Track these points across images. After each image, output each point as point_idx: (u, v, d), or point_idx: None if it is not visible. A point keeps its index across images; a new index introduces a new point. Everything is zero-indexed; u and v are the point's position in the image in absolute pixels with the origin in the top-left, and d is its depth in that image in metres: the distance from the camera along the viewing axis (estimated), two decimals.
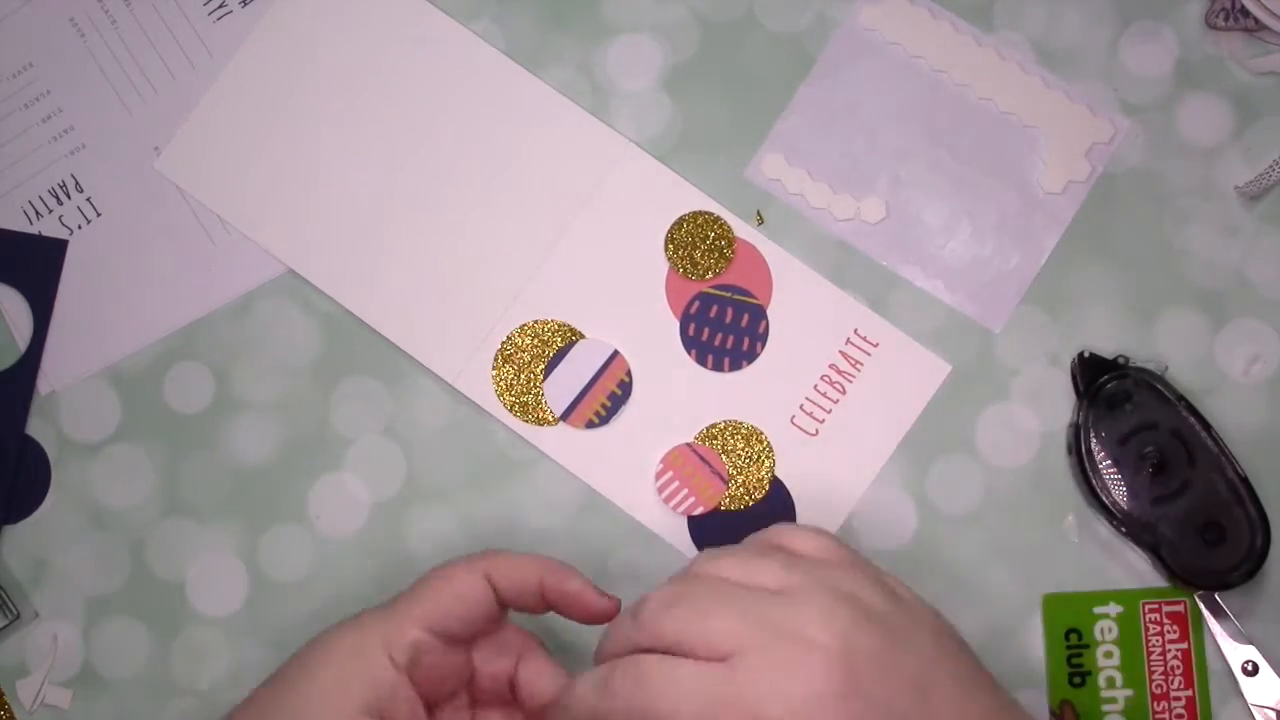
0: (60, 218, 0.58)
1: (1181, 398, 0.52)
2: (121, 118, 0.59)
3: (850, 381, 0.53)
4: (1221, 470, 0.51)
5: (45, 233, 0.58)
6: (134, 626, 0.57)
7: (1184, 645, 0.53)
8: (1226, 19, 0.55)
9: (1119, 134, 0.55)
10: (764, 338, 0.53)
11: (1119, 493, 0.52)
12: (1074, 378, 0.54)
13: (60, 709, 0.57)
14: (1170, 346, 0.54)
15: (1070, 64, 0.56)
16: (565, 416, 0.54)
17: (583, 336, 0.53)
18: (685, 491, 0.52)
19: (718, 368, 0.53)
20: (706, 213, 0.53)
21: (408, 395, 0.57)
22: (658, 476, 0.53)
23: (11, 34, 0.59)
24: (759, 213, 0.55)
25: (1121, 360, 0.53)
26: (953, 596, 0.54)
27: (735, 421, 0.53)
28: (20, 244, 0.58)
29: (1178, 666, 0.52)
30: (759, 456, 0.53)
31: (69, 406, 0.58)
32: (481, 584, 0.46)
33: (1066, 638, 0.53)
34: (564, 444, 0.55)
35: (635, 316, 0.54)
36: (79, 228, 0.58)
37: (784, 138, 0.56)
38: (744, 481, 0.53)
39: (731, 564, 0.42)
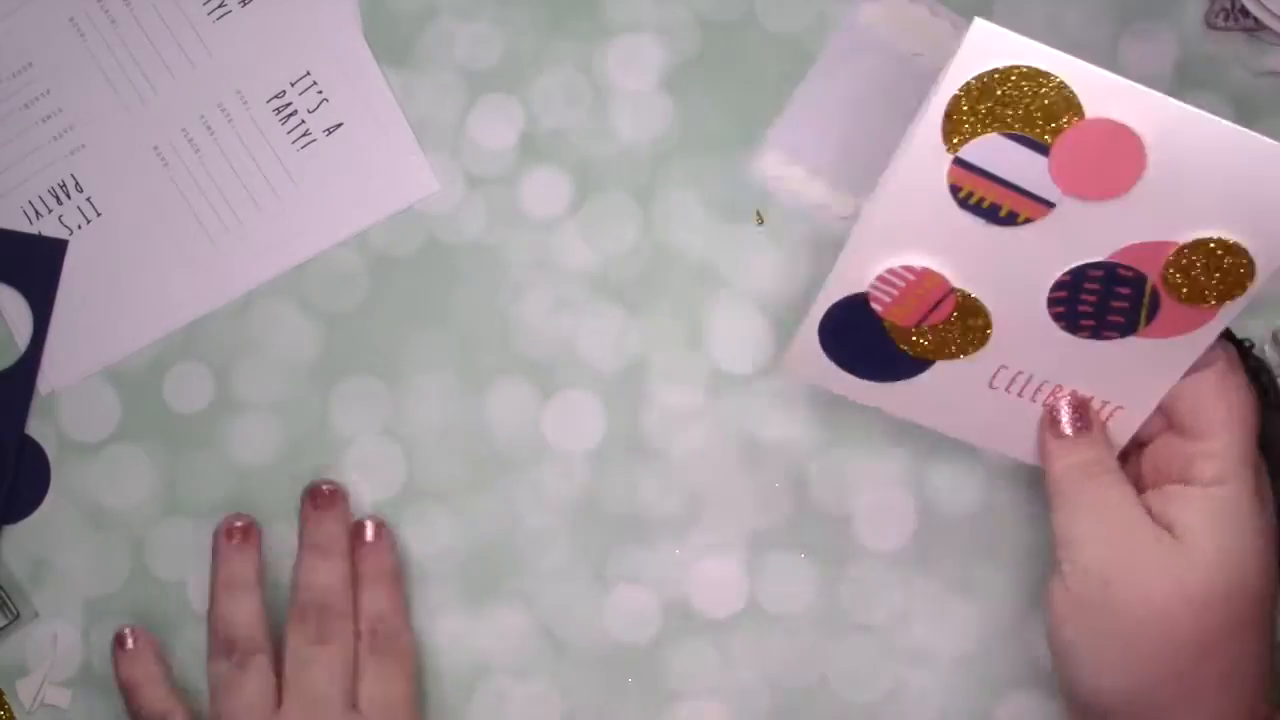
0: (60, 218, 0.58)
1: None
2: (121, 118, 0.59)
3: (1060, 415, 0.47)
4: None
5: (45, 233, 0.58)
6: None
7: None
8: (1226, 19, 0.55)
9: None
10: (1097, 336, 0.45)
11: None
12: None
13: (60, 709, 0.57)
14: None
15: None
16: (959, 164, 0.43)
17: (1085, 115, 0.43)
18: (893, 296, 0.46)
19: (1049, 304, 0.45)
20: (1252, 267, 0.43)
21: (408, 395, 0.57)
22: (906, 268, 0.46)
23: (11, 34, 0.59)
24: (758, 212, 0.55)
25: (1248, 343, 0.52)
26: (953, 597, 0.54)
27: (986, 314, 0.46)
28: (20, 244, 0.58)
29: None
30: (950, 348, 0.47)
31: (69, 406, 0.58)
32: None
33: None
34: (923, 164, 0.43)
35: (1106, 216, 0.43)
36: (79, 228, 0.58)
37: (783, 136, 0.56)
38: (923, 341, 0.47)
39: None
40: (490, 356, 0.57)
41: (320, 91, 0.58)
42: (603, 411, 0.56)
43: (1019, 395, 0.47)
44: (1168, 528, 0.44)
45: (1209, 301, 0.44)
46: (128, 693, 0.54)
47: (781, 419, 0.55)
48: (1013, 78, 0.41)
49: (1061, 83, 0.41)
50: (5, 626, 0.56)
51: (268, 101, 0.58)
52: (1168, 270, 0.44)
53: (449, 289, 0.57)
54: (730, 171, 0.56)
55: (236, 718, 0.51)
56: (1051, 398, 0.47)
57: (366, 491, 0.56)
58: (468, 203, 0.57)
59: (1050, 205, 0.43)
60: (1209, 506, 0.43)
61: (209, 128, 0.58)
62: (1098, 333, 0.45)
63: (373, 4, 0.58)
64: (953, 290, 0.46)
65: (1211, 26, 0.55)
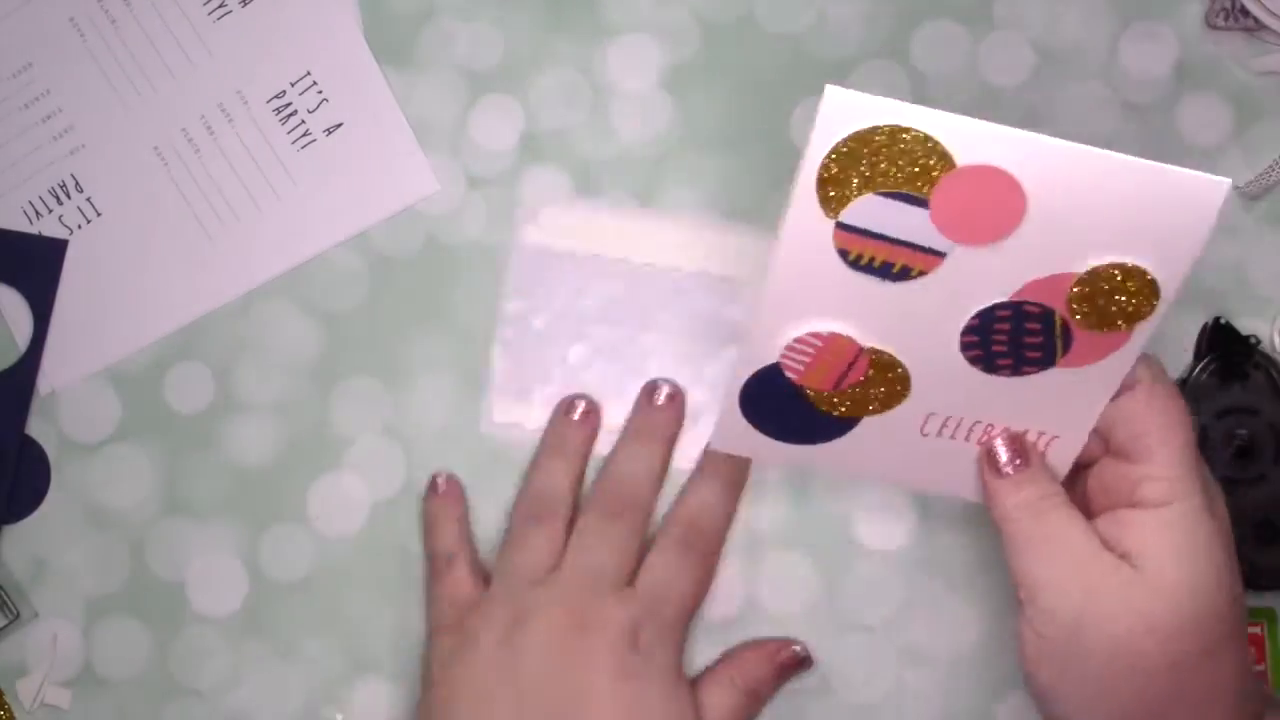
0: (60, 218, 0.58)
1: None
2: (121, 118, 0.59)
3: (997, 453, 0.46)
4: None
5: (45, 233, 0.58)
6: (134, 626, 0.57)
7: (1261, 667, 0.52)
8: (1226, 19, 0.55)
9: None
10: (1018, 373, 0.45)
11: None
12: (1200, 338, 0.54)
13: (60, 709, 0.57)
14: (1170, 346, 0.54)
15: (1070, 64, 0.56)
16: (842, 227, 0.43)
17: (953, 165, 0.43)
18: (805, 363, 0.46)
19: (963, 349, 0.45)
20: (1157, 288, 0.43)
21: (408, 395, 0.57)
22: (812, 335, 0.46)
23: (11, 34, 0.59)
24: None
25: (1253, 340, 0.53)
26: (953, 596, 0.54)
27: (903, 370, 0.46)
28: (20, 244, 0.58)
29: None
30: (872, 403, 0.46)
31: (69, 406, 0.58)
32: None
33: None
34: (806, 233, 0.43)
35: (999, 261, 0.43)
36: (79, 228, 0.58)
37: (505, 374, 0.56)
38: (843, 402, 0.47)
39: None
40: (490, 356, 0.57)
41: (320, 91, 0.58)
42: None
43: (952, 439, 0.47)
44: (1124, 555, 0.43)
45: (1118, 326, 0.44)
46: (427, 529, 0.56)
47: None
48: (877, 138, 0.41)
49: (926, 136, 0.41)
50: (5, 626, 0.56)
51: (268, 101, 0.58)
52: (1071, 302, 0.43)
53: (449, 289, 0.57)
54: (730, 171, 0.56)
55: (516, 569, 0.52)
56: (985, 437, 0.46)
57: (366, 492, 0.56)
58: (468, 203, 0.57)
59: (941, 255, 0.43)
60: (1163, 530, 0.43)
61: (209, 128, 0.58)
62: (1017, 369, 0.45)
63: (373, 4, 0.58)
64: (863, 350, 0.45)
65: (1211, 26, 0.55)
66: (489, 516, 0.56)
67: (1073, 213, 0.42)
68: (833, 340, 0.45)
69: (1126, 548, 0.43)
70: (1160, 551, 0.42)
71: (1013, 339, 0.44)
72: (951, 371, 0.45)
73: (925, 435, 0.47)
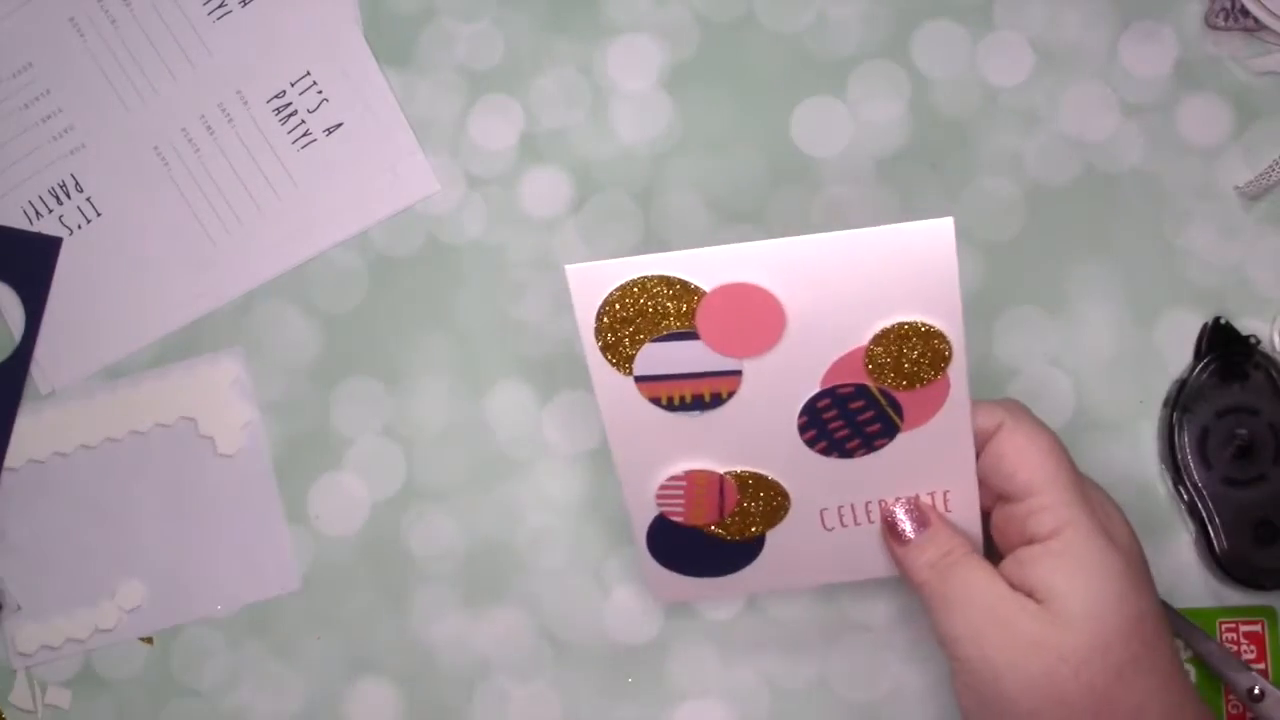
0: (60, 217, 0.58)
1: None
2: (121, 118, 0.59)
3: (897, 523, 0.48)
4: None
5: (45, 233, 0.58)
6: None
7: (1261, 666, 0.52)
8: (1226, 19, 0.55)
9: None
10: (873, 449, 0.47)
11: (1195, 458, 0.52)
12: (1200, 338, 0.54)
13: (60, 709, 0.57)
14: (1171, 346, 0.54)
15: (1070, 64, 0.56)
16: (640, 380, 0.46)
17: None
18: (681, 503, 0.49)
19: (810, 444, 0.47)
20: (939, 332, 0.45)
21: (408, 395, 0.57)
22: (672, 479, 0.49)
23: (11, 34, 0.59)
24: None
25: (1253, 340, 0.53)
26: None
27: (772, 481, 0.48)
28: (14, 241, 0.58)
29: None
30: (765, 518, 0.49)
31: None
32: None
33: None
34: (617, 395, 0.47)
35: (789, 359, 0.46)
36: (79, 227, 0.58)
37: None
38: (735, 526, 0.49)
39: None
40: (490, 356, 0.57)
41: (320, 91, 0.58)
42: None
43: (856, 524, 0.48)
44: (1030, 593, 0.43)
45: (927, 380, 0.45)
46: None
47: None
48: (630, 295, 0.44)
49: (667, 278, 0.44)
50: None
51: (268, 101, 0.58)
52: (873, 373, 0.45)
53: (449, 289, 0.57)
54: (730, 171, 0.56)
55: None
56: (884, 510, 0.47)
57: (366, 491, 0.56)
58: (468, 203, 0.57)
59: (737, 373, 0.45)
60: (1056, 560, 0.43)
61: (209, 128, 0.58)
62: (870, 445, 0.47)
63: (373, 4, 0.58)
64: (724, 476, 0.47)
65: (1211, 26, 0.55)
66: (489, 516, 0.56)
67: (829, 296, 0.44)
68: (692, 477, 0.48)
69: (1030, 585, 0.43)
70: (1058, 582, 0.43)
71: (847, 421, 0.46)
72: (813, 467, 0.47)
73: (830, 530, 0.48)
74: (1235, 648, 0.52)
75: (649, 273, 0.44)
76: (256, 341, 0.57)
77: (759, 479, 0.48)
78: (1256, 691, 0.51)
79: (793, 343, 0.45)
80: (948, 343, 0.45)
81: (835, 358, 0.45)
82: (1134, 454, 0.54)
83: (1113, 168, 0.56)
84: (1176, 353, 0.54)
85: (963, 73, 0.56)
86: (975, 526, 0.47)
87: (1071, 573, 0.43)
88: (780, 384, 0.46)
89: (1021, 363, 0.55)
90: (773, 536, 0.49)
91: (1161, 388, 0.54)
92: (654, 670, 0.55)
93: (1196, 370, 0.53)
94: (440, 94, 0.58)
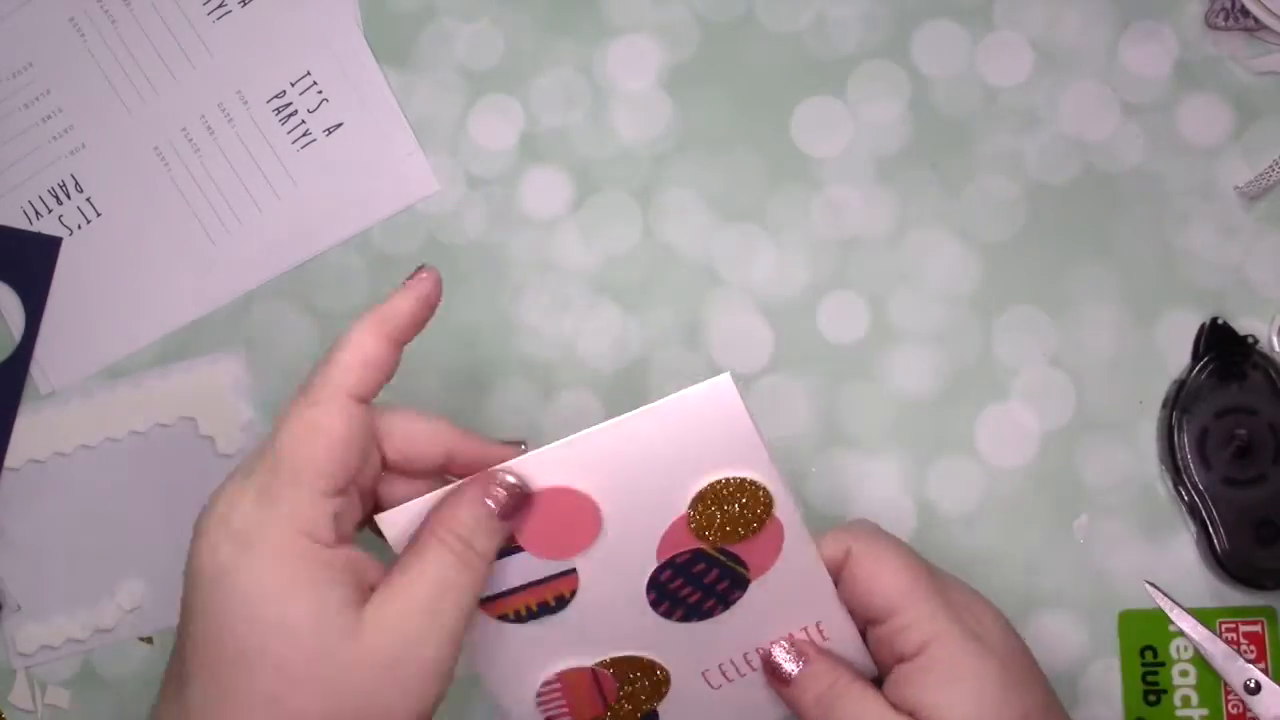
0: (60, 217, 0.58)
1: None
2: (121, 118, 0.59)
3: (778, 664, 0.47)
4: None
5: (45, 233, 0.58)
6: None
7: (1262, 665, 0.52)
8: (1226, 19, 0.55)
9: None
10: (729, 604, 0.47)
11: (1195, 458, 0.52)
12: (1198, 339, 0.54)
13: (60, 709, 0.57)
14: (1170, 347, 0.54)
15: (1070, 64, 0.56)
16: (484, 602, 0.46)
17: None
18: (562, 704, 0.48)
19: (668, 616, 0.47)
20: (752, 482, 0.45)
21: (408, 396, 0.57)
22: (545, 684, 0.48)
23: (11, 34, 0.59)
24: None
25: (1251, 339, 0.53)
26: None
27: (643, 659, 0.48)
28: (14, 241, 0.58)
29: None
30: (650, 695, 0.48)
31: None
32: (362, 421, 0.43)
33: (1142, 655, 0.53)
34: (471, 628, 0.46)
35: (617, 546, 0.45)
36: (79, 227, 0.58)
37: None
38: (626, 712, 0.49)
39: None
40: (490, 356, 0.57)
41: (320, 91, 0.58)
42: (603, 411, 0.56)
43: (741, 675, 0.48)
44: (911, 712, 0.43)
45: (756, 528, 0.45)
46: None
47: (781, 419, 0.55)
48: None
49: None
50: None
51: (268, 101, 0.58)
52: (702, 535, 0.45)
53: (449, 289, 0.57)
54: (730, 171, 0.56)
55: None
56: (762, 655, 0.47)
57: None
58: (468, 203, 0.57)
59: (572, 571, 0.45)
60: (928, 675, 0.43)
61: (209, 128, 0.58)
62: (727, 601, 0.46)
63: (373, 4, 0.58)
64: (595, 669, 0.47)
65: (1211, 26, 0.55)
66: None
67: (636, 477, 0.44)
68: (564, 677, 0.47)
69: (910, 704, 0.43)
70: (934, 697, 0.43)
71: (696, 586, 0.46)
72: (679, 636, 0.47)
73: (718, 688, 0.48)
74: (1236, 648, 0.52)
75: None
76: (256, 341, 0.57)
77: (631, 660, 0.48)
78: (1252, 684, 0.51)
79: (616, 531, 0.45)
80: (763, 488, 0.45)
81: (661, 532, 0.45)
82: (1134, 454, 0.54)
83: (1113, 168, 0.56)
84: (1176, 353, 0.54)
85: (963, 73, 0.56)
86: (857, 649, 0.47)
87: (946, 686, 0.43)
88: (617, 571, 0.46)
89: (1021, 363, 0.55)
90: (665, 710, 0.49)
91: (1161, 388, 0.54)
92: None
93: (1195, 371, 0.53)
94: (440, 94, 0.58)
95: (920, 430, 0.55)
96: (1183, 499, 0.52)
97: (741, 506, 0.45)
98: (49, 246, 0.58)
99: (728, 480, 0.45)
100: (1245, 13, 0.54)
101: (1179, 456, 0.52)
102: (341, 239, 0.58)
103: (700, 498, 0.45)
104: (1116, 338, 0.55)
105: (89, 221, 0.58)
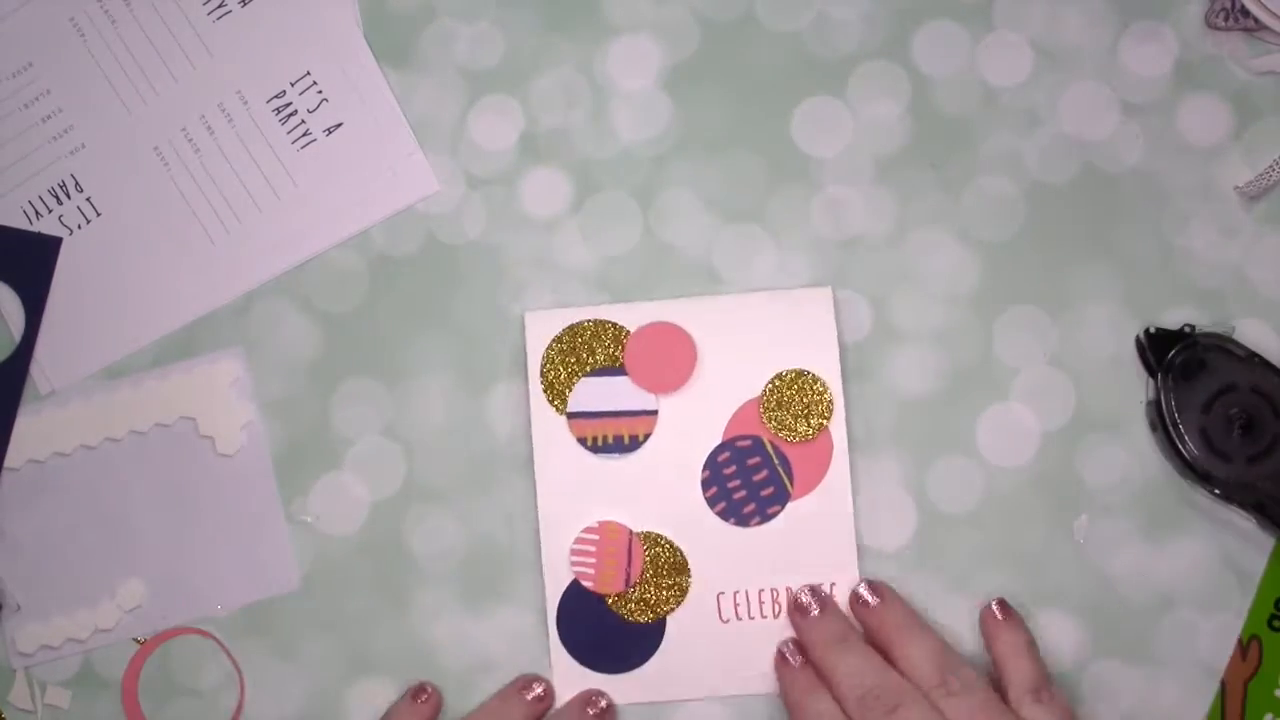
0: (60, 217, 0.58)
1: (1254, 355, 0.52)
2: (121, 118, 0.59)
3: (782, 612, 0.53)
4: None
5: (45, 233, 0.58)
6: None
7: None
8: (1226, 19, 0.55)
9: None
10: (766, 519, 0.53)
11: (1212, 460, 0.52)
12: (1142, 355, 0.54)
13: (60, 709, 0.57)
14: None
15: (1070, 64, 0.56)
16: (572, 416, 0.54)
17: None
18: (592, 563, 0.53)
19: (711, 504, 0.53)
20: (822, 382, 0.53)
21: (408, 395, 0.57)
22: (586, 531, 0.53)
23: (11, 34, 0.59)
24: None
25: (1188, 329, 0.53)
26: (953, 597, 0.54)
27: (678, 551, 0.53)
28: (14, 241, 0.58)
29: None
30: (667, 597, 0.53)
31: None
32: None
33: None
34: (550, 437, 0.54)
35: (697, 403, 0.54)
36: (79, 227, 0.58)
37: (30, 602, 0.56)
38: (639, 600, 0.53)
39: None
40: (490, 356, 0.57)
41: (320, 91, 0.58)
42: None
43: (751, 619, 0.53)
44: None
45: (811, 426, 0.53)
46: None
47: None
48: (569, 335, 0.54)
49: (600, 320, 0.54)
50: None
51: (268, 101, 0.58)
52: (766, 421, 0.53)
53: (449, 289, 0.57)
54: (730, 171, 0.56)
55: None
56: (790, 594, 0.53)
57: (366, 491, 0.56)
58: (468, 203, 0.57)
59: (654, 413, 0.53)
60: None
61: (209, 128, 0.58)
62: (764, 513, 0.53)
63: (373, 4, 0.58)
64: (634, 535, 0.53)
65: (1211, 26, 0.55)
66: (489, 516, 0.56)
67: (732, 345, 0.53)
68: (605, 530, 0.53)
69: None
70: None
71: (744, 478, 0.53)
72: (714, 538, 0.53)
73: (726, 623, 0.53)
74: None
75: (594, 317, 0.54)
76: (256, 341, 0.57)
77: (668, 546, 0.53)
78: None
79: (702, 384, 0.53)
80: (829, 392, 0.53)
81: (734, 409, 0.53)
82: (1134, 454, 0.54)
83: (1113, 168, 0.56)
84: (1136, 379, 0.54)
85: (963, 73, 0.56)
86: (852, 618, 0.53)
87: None
88: (689, 429, 0.53)
89: (1021, 363, 0.55)
90: (674, 624, 0.52)
91: None
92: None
93: (1161, 386, 0.53)
94: (440, 94, 0.58)
95: (920, 430, 0.55)
96: (1227, 500, 0.52)
97: (807, 401, 0.53)
98: (49, 246, 0.58)
99: (802, 371, 0.53)
100: (1245, 13, 0.54)
101: (1198, 467, 0.52)
102: (341, 239, 0.57)
103: (776, 379, 0.53)
104: (1116, 338, 0.55)
105: (89, 221, 0.58)
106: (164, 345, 0.58)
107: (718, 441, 0.53)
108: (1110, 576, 0.54)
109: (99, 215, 0.58)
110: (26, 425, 0.57)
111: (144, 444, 0.57)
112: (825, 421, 0.53)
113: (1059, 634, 0.54)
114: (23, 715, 0.57)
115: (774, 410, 0.53)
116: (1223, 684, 0.53)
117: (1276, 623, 0.53)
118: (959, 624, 0.54)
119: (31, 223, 0.58)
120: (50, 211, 0.58)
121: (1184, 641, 0.54)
